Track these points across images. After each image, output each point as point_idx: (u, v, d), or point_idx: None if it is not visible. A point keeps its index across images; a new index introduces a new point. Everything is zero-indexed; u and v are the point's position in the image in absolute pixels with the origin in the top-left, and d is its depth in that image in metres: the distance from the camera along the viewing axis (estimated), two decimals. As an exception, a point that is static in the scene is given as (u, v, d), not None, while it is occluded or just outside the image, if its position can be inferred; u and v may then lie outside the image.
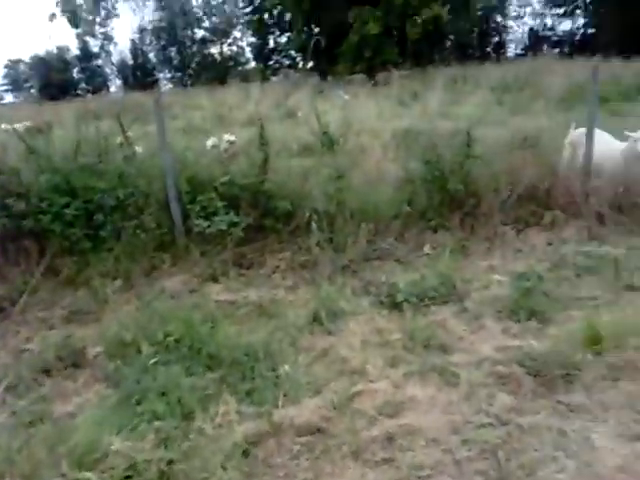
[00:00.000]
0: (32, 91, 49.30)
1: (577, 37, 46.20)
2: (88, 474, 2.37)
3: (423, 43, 28.94)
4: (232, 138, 7.89)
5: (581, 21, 46.94)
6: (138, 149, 5.62)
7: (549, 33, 49.60)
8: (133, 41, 52.51)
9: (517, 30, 52.29)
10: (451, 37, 36.87)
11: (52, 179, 4.75)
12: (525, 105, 9.83)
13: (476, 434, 2.60)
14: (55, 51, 50.00)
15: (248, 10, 44.17)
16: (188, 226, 4.87)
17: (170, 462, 2.47)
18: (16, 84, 53.35)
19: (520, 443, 2.54)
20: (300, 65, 38.59)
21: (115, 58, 52.92)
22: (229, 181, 4.93)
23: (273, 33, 43.27)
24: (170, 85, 51.59)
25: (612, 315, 3.50)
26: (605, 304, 3.80)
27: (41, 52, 49.89)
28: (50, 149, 5.18)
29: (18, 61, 53.05)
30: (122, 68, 52.17)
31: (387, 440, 2.60)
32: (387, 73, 19.69)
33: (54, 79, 46.43)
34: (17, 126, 7.28)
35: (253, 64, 47.19)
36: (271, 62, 42.78)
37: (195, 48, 53.73)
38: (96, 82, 50.03)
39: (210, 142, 7.76)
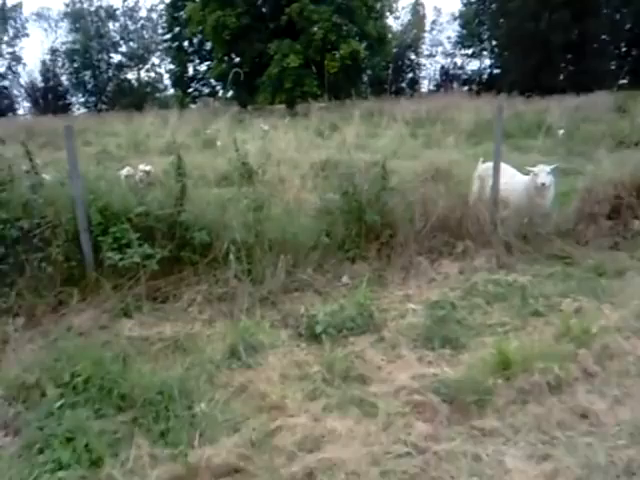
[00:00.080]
0: None
1: (484, 76, 50.00)
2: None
3: (341, 77, 29.95)
4: (148, 168, 7.66)
5: (487, 62, 51.12)
6: (46, 177, 5.32)
7: (459, 72, 53.57)
8: (44, 62, 50.54)
9: (429, 67, 56.06)
10: (368, 72, 38.47)
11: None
12: (437, 139, 10.33)
13: (395, 464, 2.62)
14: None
15: (168, 37, 43.86)
16: (99, 259, 4.64)
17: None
18: None
19: (437, 471, 2.59)
20: (220, 94, 38.67)
21: (24, 80, 50.66)
22: (144, 212, 4.77)
23: (193, 61, 43.19)
24: (84, 110, 49.92)
25: (520, 340, 3.70)
26: (513, 330, 4.01)
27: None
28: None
29: None
30: (31, 90, 49.87)
31: (307, 476, 2.57)
32: (307, 105, 20.04)
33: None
34: None
35: (172, 91, 46.80)
36: (190, 90, 42.54)
37: (111, 72, 52.50)
38: (2, 104, 47.41)
39: (124, 171, 7.49)
